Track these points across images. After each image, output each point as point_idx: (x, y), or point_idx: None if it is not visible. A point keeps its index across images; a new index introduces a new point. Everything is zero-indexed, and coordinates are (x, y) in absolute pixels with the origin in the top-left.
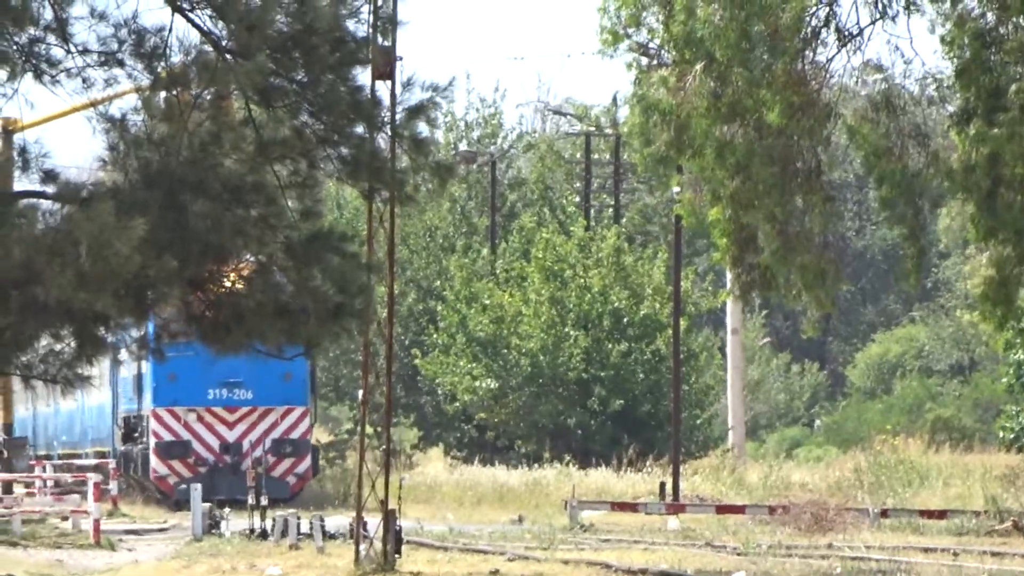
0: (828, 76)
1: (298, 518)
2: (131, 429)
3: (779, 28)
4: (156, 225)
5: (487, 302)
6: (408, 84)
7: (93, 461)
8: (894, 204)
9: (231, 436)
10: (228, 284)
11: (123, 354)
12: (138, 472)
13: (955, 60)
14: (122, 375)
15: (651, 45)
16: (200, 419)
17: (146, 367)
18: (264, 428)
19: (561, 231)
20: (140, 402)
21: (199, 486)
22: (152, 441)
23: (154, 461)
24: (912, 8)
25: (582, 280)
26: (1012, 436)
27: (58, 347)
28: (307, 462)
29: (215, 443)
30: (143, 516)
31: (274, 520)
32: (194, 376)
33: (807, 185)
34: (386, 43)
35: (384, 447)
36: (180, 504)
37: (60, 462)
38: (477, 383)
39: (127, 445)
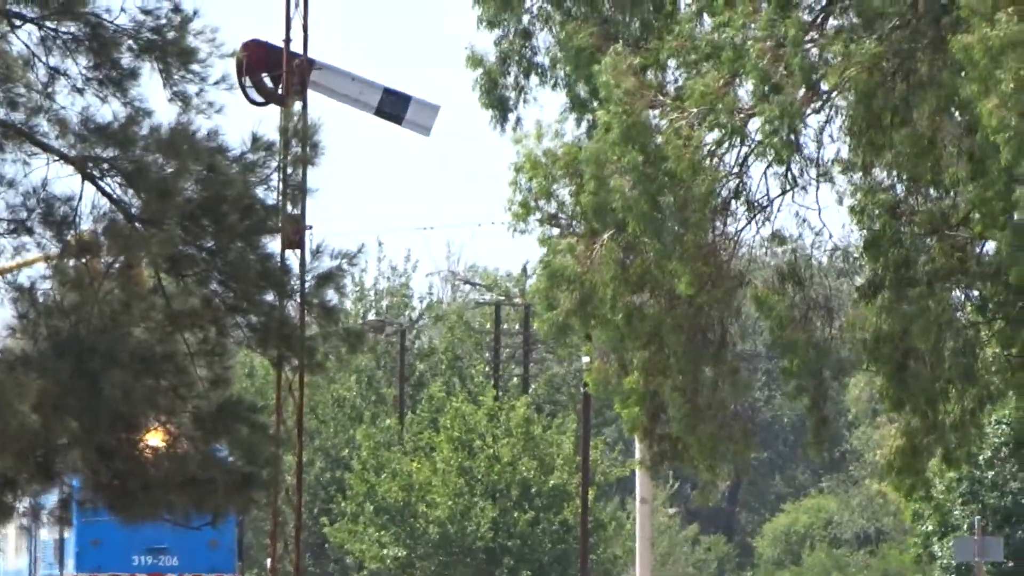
0: (737, 247)
1: None
2: None
3: (689, 200)
4: (66, 393)
5: (396, 470)
6: (317, 252)
7: None
8: (798, 374)
9: None
10: (136, 453)
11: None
12: None
13: (865, 231)
14: (42, 539)
15: (561, 216)
16: None
17: (69, 532)
18: None
19: (470, 400)
20: (61, 568)
21: None
22: None
23: None
24: (823, 178)
25: (491, 450)
26: None
27: None
28: None
29: None
30: None
31: None
32: (119, 541)
33: (717, 356)
34: (295, 211)
35: None
36: None
37: None
38: (385, 551)
39: None
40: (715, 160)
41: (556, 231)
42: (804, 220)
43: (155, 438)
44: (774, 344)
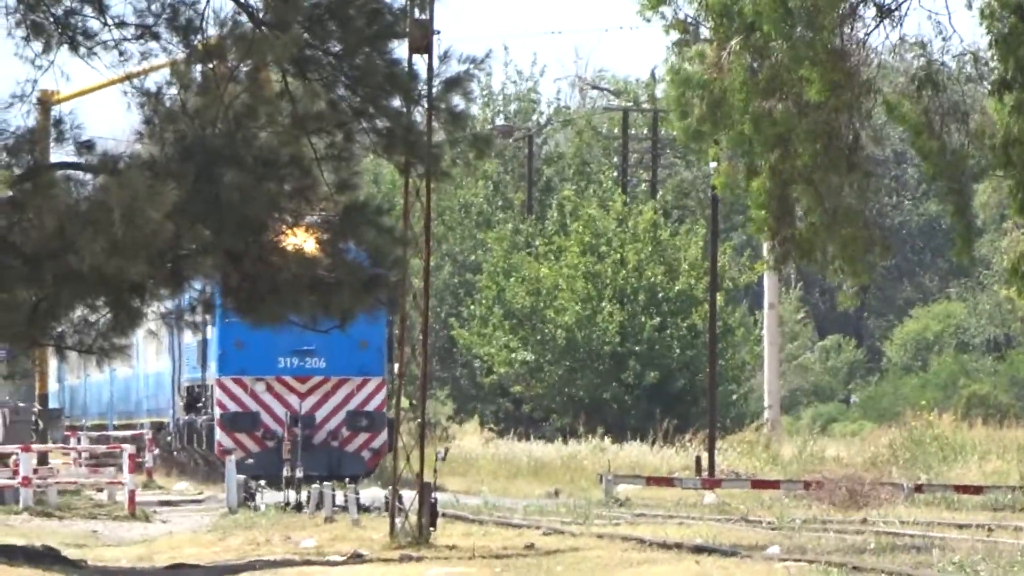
0: (867, 52)
1: (333, 490)
2: (194, 399)
3: (818, 2)
4: (191, 197)
5: (525, 274)
6: (445, 57)
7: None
8: (938, 179)
9: (303, 408)
10: (264, 256)
11: (155, 326)
12: (202, 445)
13: (993, 33)
14: (186, 342)
15: (689, 17)
16: (269, 389)
17: (212, 333)
18: (338, 400)
19: (599, 205)
20: (204, 371)
21: (233, 458)
22: (217, 412)
23: (219, 434)
24: None
25: (618, 255)
26: None
27: (93, 318)
28: (383, 436)
29: (286, 415)
30: (175, 488)
31: (309, 492)
32: (263, 343)
33: (848, 161)
34: (423, 16)
35: (419, 420)
36: (262, 481)
37: (110, 433)
38: (513, 355)
39: (190, 416)
40: None
41: (683, 33)
42: (938, 23)
43: (283, 240)
44: (912, 150)
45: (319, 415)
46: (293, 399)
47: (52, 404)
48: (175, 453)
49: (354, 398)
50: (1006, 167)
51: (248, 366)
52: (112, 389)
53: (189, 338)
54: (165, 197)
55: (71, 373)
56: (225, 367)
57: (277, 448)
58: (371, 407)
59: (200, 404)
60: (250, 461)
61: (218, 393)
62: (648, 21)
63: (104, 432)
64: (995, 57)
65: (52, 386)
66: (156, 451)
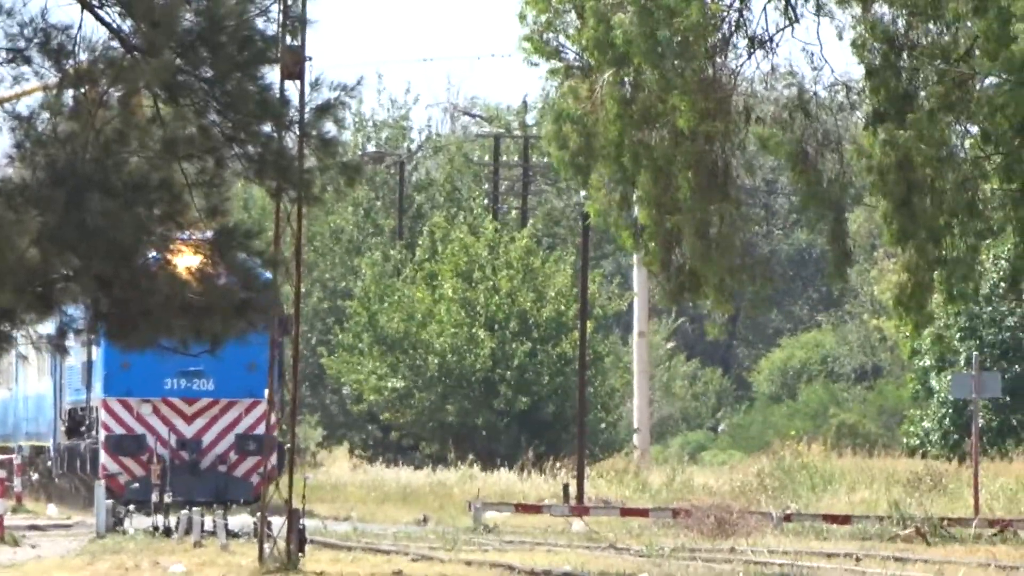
0: (739, 82)
1: (201, 516)
2: (77, 423)
3: (687, 33)
4: (61, 223)
5: (399, 299)
6: (316, 83)
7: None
8: (815, 208)
9: (189, 431)
10: (134, 281)
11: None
12: (85, 469)
13: (865, 64)
14: (68, 363)
15: (564, 51)
16: (156, 411)
17: (97, 353)
18: (227, 423)
19: (471, 232)
20: (89, 392)
21: (103, 483)
22: (102, 435)
23: (104, 457)
24: (822, 13)
25: (491, 282)
26: (916, 442)
27: None
28: (273, 459)
29: (172, 439)
30: (47, 513)
31: (178, 518)
32: (149, 364)
33: (723, 190)
34: (295, 42)
35: (288, 446)
36: (131, 506)
37: None
38: (383, 383)
39: (73, 440)
40: None
41: (559, 65)
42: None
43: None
44: (788, 178)
45: (206, 439)
46: (180, 422)
47: None
48: (55, 479)
49: (243, 421)
50: (884, 195)
51: (134, 387)
52: None
53: (72, 359)
54: (29, 225)
55: None
56: (110, 388)
57: (163, 472)
58: (261, 430)
59: (83, 427)
60: (135, 485)
61: (103, 415)
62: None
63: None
64: (867, 89)
65: None
66: (32, 475)
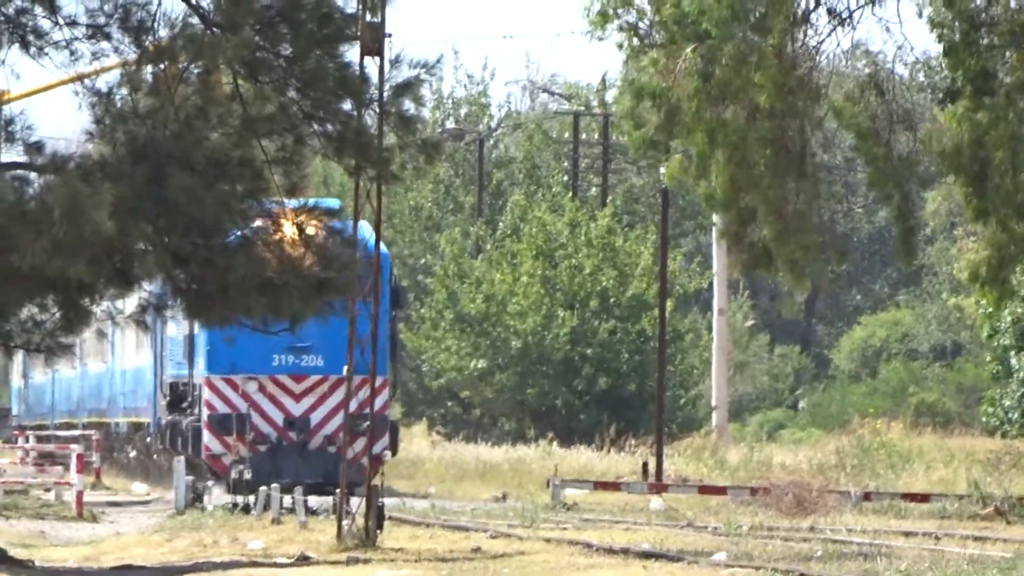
0: (818, 58)
1: (280, 492)
2: (178, 398)
3: (767, 7)
4: (141, 197)
5: (478, 279)
6: (396, 61)
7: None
8: (882, 185)
9: (297, 410)
10: (212, 257)
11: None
12: (187, 448)
13: (943, 42)
14: (170, 334)
15: (640, 26)
16: (262, 389)
17: (199, 327)
18: (337, 401)
19: (550, 210)
20: (191, 367)
21: (182, 459)
22: (205, 413)
23: (207, 436)
24: None
25: (573, 260)
26: (996, 422)
27: (41, 317)
28: (385, 441)
29: (279, 417)
30: (126, 489)
31: (256, 494)
32: (255, 339)
33: (799, 167)
34: (375, 19)
35: (367, 422)
36: (236, 487)
37: (55, 433)
38: (464, 362)
39: (173, 415)
40: None
41: (636, 41)
42: (887, 30)
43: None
44: (858, 155)
45: (315, 418)
46: (287, 400)
47: (15, 402)
48: (154, 456)
49: (353, 399)
50: (957, 173)
51: (239, 364)
52: (82, 385)
53: (173, 331)
54: (104, 197)
55: (37, 369)
56: (214, 365)
57: (270, 453)
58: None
59: (185, 404)
60: (241, 466)
61: (206, 392)
62: (600, 40)
63: (49, 432)
64: (945, 66)
65: (16, 382)
66: (130, 452)
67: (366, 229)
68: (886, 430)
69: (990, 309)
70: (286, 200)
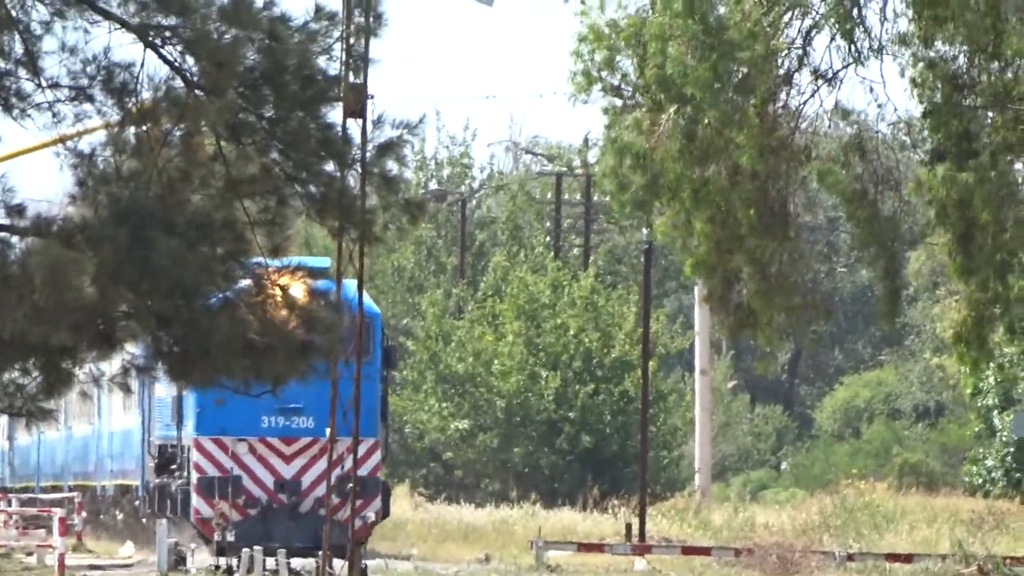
0: (801, 119)
1: (263, 555)
2: (167, 460)
3: (751, 68)
4: (123, 261)
5: (461, 339)
6: (378, 122)
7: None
8: (868, 247)
9: (288, 472)
10: (194, 320)
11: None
12: (176, 511)
13: (925, 103)
14: (158, 395)
15: (624, 88)
16: (252, 451)
17: (187, 388)
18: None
19: (532, 271)
20: (180, 429)
21: (164, 521)
22: (194, 476)
23: (196, 499)
24: (882, 52)
25: (556, 321)
26: (979, 482)
27: (23, 380)
28: (377, 503)
29: (269, 480)
30: (110, 552)
31: (239, 556)
32: (245, 400)
33: (782, 228)
34: (357, 81)
35: (351, 484)
36: (224, 550)
37: (55, 496)
38: (447, 422)
39: (162, 478)
40: (778, 32)
41: (619, 103)
42: (870, 90)
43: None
44: (844, 217)
45: (306, 480)
46: (278, 462)
47: (0, 464)
48: (142, 520)
49: (345, 462)
50: (944, 230)
51: (228, 425)
52: (68, 448)
53: (162, 392)
54: (86, 263)
55: (22, 432)
56: (203, 426)
57: (261, 516)
58: (364, 471)
59: (174, 466)
60: (231, 530)
61: (195, 455)
62: (584, 102)
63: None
64: (927, 127)
65: (1, 444)
66: (118, 515)
67: (355, 289)
68: (870, 490)
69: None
70: (271, 260)
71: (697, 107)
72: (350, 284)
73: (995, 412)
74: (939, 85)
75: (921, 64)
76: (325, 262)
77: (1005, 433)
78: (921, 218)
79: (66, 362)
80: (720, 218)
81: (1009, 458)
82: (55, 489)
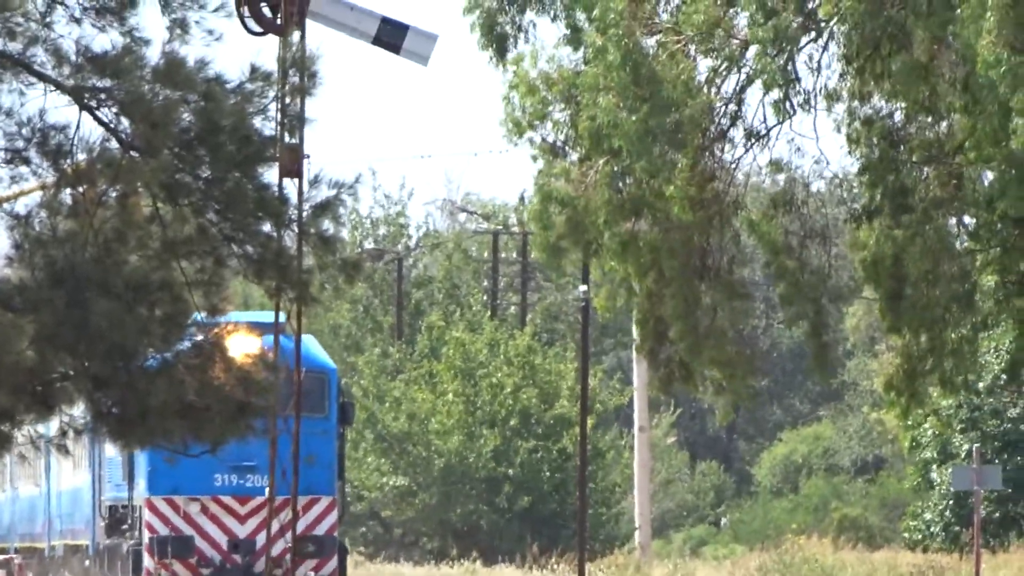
0: (734, 174)
1: None
2: (118, 521)
3: (682, 123)
4: (61, 323)
5: (398, 398)
6: (315, 181)
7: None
8: (794, 301)
9: (242, 532)
10: (132, 382)
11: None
12: (127, 573)
13: (862, 159)
14: (108, 455)
15: (556, 140)
16: (204, 511)
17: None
18: (282, 522)
19: (469, 329)
20: (131, 488)
21: None
22: (146, 536)
23: (148, 561)
24: (814, 109)
25: (493, 379)
26: (918, 536)
27: None
28: (333, 563)
29: (223, 540)
30: None
31: None
32: (198, 459)
33: (716, 281)
34: (293, 141)
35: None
36: None
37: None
38: (385, 479)
39: (113, 538)
40: (712, 88)
41: (550, 156)
42: (798, 148)
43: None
44: (771, 270)
45: (260, 540)
46: (231, 522)
47: None
48: None
49: (300, 520)
50: (875, 285)
51: (181, 484)
52: (14, 509)
53: (112, 451)
54: (26, 327)
55: None
56: (155, 486)
57: None
58: (320, 531)
59: (125, 526)
60: None
61: (147, 514)
62: (516, 145)
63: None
64: (864, 183)
65: None
66: None
67: (311, 344)
68: (809, 546)
69: (908, 422)
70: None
71: (628, 160)
72: (309, 338)
73: (933, 466)
74: (875, 141)
75: (857, 121)
76: (270, 316)
77: (943, 487)
78: (849, 274)
79: (4, 424)
80: (648, 270)
81: (948, 512)
82: (1, 552)
